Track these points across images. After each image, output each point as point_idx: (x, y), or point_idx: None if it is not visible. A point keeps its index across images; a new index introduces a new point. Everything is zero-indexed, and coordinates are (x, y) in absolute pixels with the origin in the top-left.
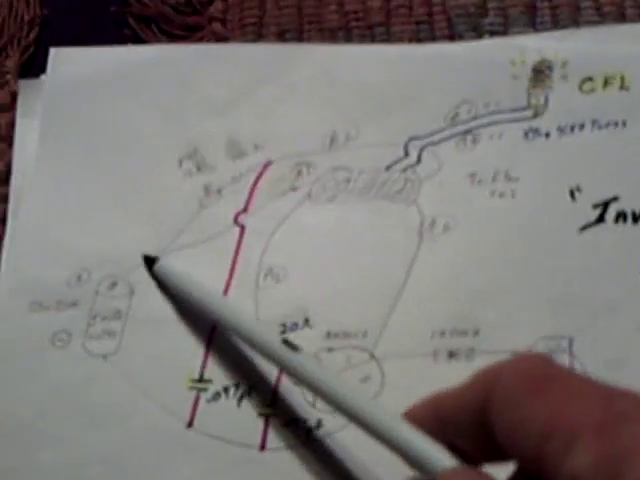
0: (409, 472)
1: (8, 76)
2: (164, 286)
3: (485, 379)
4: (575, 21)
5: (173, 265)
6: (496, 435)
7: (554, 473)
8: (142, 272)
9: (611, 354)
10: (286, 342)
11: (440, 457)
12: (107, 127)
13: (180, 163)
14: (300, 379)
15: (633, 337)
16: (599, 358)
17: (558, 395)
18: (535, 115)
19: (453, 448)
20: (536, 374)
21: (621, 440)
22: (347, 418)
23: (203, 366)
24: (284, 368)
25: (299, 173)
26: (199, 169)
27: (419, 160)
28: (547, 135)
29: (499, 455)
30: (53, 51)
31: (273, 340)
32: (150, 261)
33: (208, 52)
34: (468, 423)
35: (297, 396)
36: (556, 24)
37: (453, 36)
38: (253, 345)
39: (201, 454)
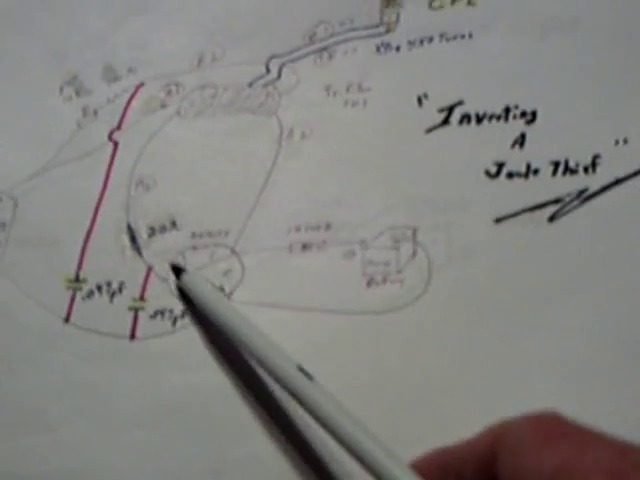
0: None
1: None
2: (185, 295)
3: (496, 429)
4: None
5: (198, 278)
6: None
7: None
8: (25, 186)
9: (459, 244)
10: (302, 370)
11: None
12: None
13: (61, 90)
14: (311, 408)
15: (484, 230)
16: (446, 248)
17: (570, 445)
18: (387, 31)
19: None
20: (548, 425)
21: None
22: (351, 455)
23: (79, 268)
24: (297, 395)
25: (169, 92)
26: (78, 94)
27: (279, 76)
28: (398, 49)
29: None
30: None
31: (289, 367)
32: (178, 271)
33: None
34: (474, 473)
35: (164, 290)
36: None
37: None
38: (268, 369)
39: (77, 345)
